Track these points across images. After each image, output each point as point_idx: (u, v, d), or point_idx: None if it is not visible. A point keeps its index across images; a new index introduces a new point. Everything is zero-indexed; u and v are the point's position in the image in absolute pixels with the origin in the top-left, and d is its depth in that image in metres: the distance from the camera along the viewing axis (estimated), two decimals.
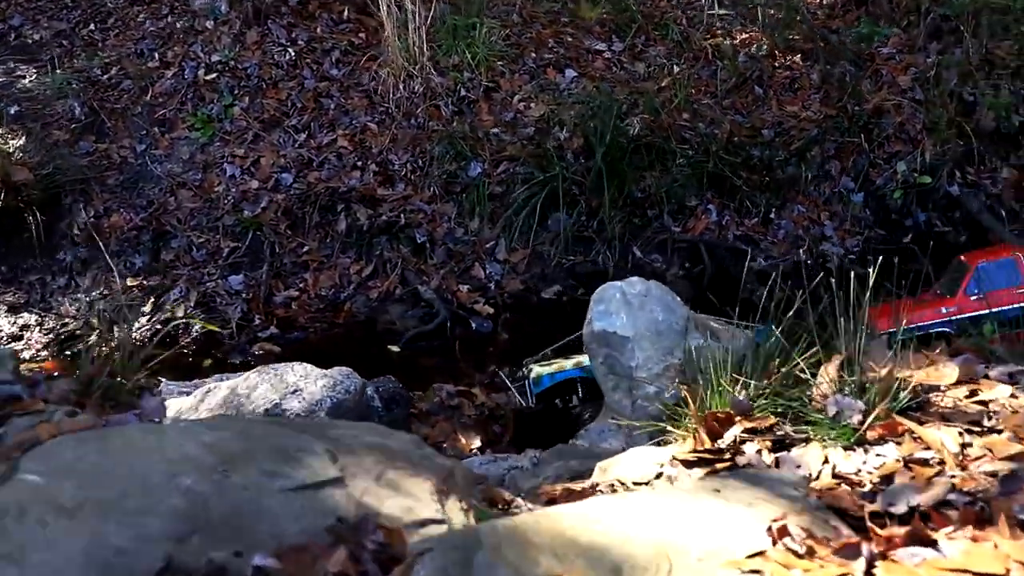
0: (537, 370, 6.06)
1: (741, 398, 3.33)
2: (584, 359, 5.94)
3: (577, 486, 3.20)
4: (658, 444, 3.67)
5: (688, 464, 3.10)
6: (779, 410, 3.37)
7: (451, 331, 7.67)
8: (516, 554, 1.92)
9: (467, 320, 7.84)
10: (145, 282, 8.17)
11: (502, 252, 8.37)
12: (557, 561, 1.93)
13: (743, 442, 3.15)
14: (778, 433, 3.23)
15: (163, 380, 6.75)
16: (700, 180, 8.93)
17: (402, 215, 8.47)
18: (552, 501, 3.11)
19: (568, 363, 6.09)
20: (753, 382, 3.45)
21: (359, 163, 8.92)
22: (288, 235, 8.48)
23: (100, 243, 8.18)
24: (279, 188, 8.74)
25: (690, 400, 3.30)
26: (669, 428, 3.54)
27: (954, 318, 6.20)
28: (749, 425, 3.25)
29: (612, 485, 3.12)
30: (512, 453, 4.50)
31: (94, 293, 8.17)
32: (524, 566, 1.89)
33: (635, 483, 3.09)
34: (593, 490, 3.09)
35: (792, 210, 9.22)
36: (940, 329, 5.97)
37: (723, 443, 3.19)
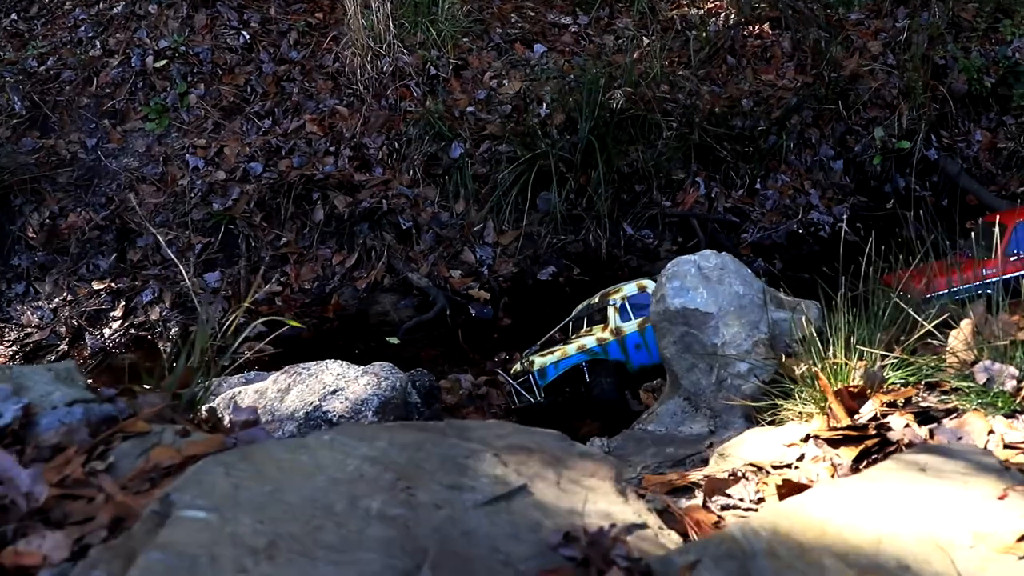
0: (539, 361, 5.66)
1: (875, 370, 3.09)
2: (586, 341, 5.64)
3: (714, 474, 2.92)
4: (772, 424, 3.41)
5: (833, 443, 2.84)
6: (911, 380, 3.14)
7: (451, 319, 7.29)
8: (795, 559, 1.64)
9: (466, 307, 7.46)
10: (113, 284, 7.59)
11: (491, 235, 8.01)
12: (843, 563, 1.68)
13: (885, 416, 2.91)
14: (921, 405, 3.00)
15: (148, 388, 6.26)
16: (686, 153, 8.70)
17: (383, 201, 8.03)
18: (676, 491, 2.84)
19: (571, 348, 5.72)
20: (875, 351, 3.20)
21: (331, 148, 8.45)
22: (263, 227, 7.97)
23: (58, 246, 7.62)
24: (248, 178, 8.22)
25: (821, 375, 3.03)
26: (787, 406, 3.27)
27: (996, 279, 6.05)
28: (886, 398, 3.00)
29: (753, 471, 2.85)
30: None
31: (57, 300, 7.57)
32: (812, 572, 1.61)
33: (774, 467, 2.84)
34: (737, 478, 2.81)
35: (776, 180, 9.07)
36: (982, 291, 5.80)
37: (861, 419, 2.95)
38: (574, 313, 6.16)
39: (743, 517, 2.59)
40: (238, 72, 9.23)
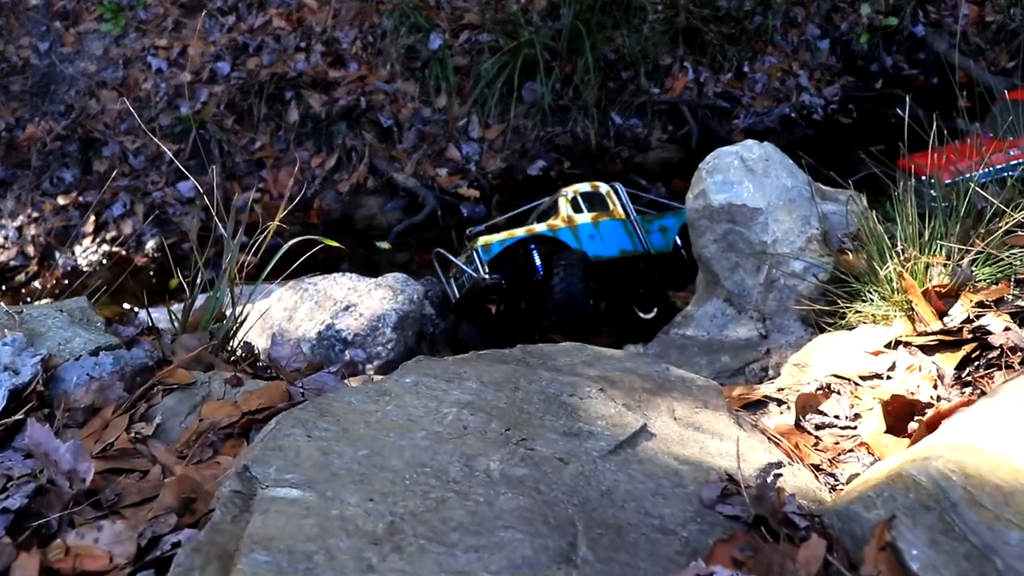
0: (484, 239, 5.22)
1: (963, 266, 2.83)
2: (537, 227, 5.24)
3: (792, 387, 2.69)
4: (840, 329, 3.17)
5: (927, 349, 2.61)
6: (998, 277, 2.90)
7: (443, 220, 6.93)
8: (1002, 508, 1.40)
9: (456, 207, 7.10)
10: (80, 198, 7.13)
11: (476, 130, 7.60)
12: None
13: (978, 317, 2.67)
14: (1017, 304, 2.75)
15: (135, 309, 5.88)
16: (672, 36, 8.29)
17: (361, 98, 7.57)
18: (748, 407, 2.61)
19: (519, 231, 5.27)
20: (956, 246, 2.94)
21: (302, 44, 7.92)
22: (236, 131, 7.50)
23: (18, 159, 7.12)
24: (216, 79, 7.70)
25: (906, 274, 2.77)
26: (856, 308, 3.03)
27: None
28: (976, 297, 2.76)
29: (840, 383, 2.62)
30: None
31: (21, 217, 7.10)
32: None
33: (862, 378, 2.61)
34: (827, 392, 2.58)
35: (764, 62, 8.70)
36: (1011, 173, 5.55)
37: (952, 321, 2.71)
38: (522, 209, 5.75)
39: (843, 437, 2.36)
40: None
